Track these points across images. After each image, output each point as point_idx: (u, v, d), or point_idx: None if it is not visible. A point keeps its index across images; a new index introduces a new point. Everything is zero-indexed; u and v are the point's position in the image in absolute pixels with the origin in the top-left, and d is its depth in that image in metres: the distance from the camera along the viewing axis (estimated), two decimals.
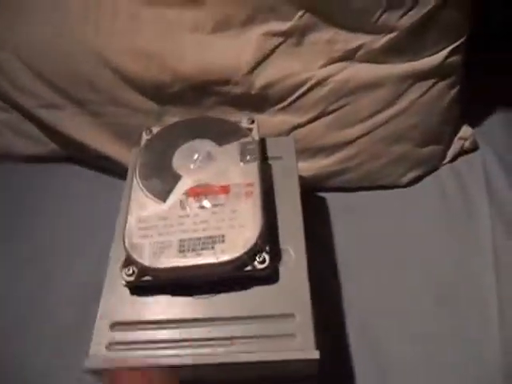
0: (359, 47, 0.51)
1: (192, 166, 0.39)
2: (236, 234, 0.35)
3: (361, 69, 0.52)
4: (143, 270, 0.34)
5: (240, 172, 0.38)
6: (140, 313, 0.35)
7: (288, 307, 0.34)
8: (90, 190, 0.61)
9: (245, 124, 0.43)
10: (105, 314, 0.35)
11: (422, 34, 0.50)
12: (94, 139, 0.59)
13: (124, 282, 0.35)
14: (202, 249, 0.34)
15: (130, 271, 0.35)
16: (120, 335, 0.34)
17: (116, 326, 0.35)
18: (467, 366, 0.43)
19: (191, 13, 0.53)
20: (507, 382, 0.41)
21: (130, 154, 0.54)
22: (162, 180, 0.39)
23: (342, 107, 0.53)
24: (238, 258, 0.34)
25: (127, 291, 0.36)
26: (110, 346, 0.34)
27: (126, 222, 0.37)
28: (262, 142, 0.44)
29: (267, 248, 0.35)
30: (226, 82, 0.52)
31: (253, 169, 0.39)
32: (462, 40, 0.52)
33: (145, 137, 0.43)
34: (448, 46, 0.52)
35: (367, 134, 0.54)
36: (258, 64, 0.52)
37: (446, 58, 0.52)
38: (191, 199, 0.37)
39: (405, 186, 0.57)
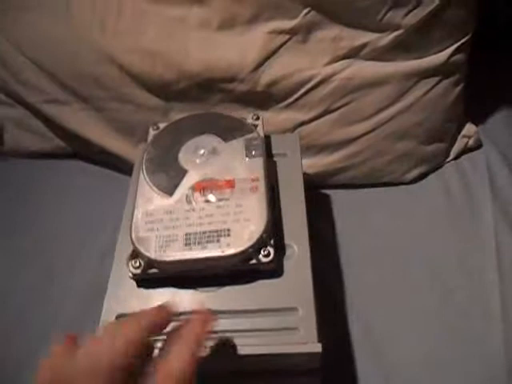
0: (364, 45, 0.51)
1: (198, 161, 0.40)
2: (241, 227, 0.35)
3: (366, 66, 0.52)
4: (150, 263, 0.35)
5: (245, 167, 0.39)
6: (146, 305, 0.35)
7: (291, 301, 0.35)
8: (95, 185, 0.62)
9: (250, 120, 0.43)
10: (111, 306, 0.36)
11: (426, 32, 0.51)
12: (99, 135, 0.59)
13: (130, 275, 0.36)
14: (208, 242, 0.34)
15: (137, 264, 0.35)
16: None
17: (122, 318, 0.35)
18: (470, 363, 0.43)
19: (197, 11, 0.53)
20: (511, 379, 0.41)
21: (134, 150, 0.54)
22: (169, 175, 0.39)
23: (346, 104, 0.53)
24: (243, 252, 0.34)
25: (133, 284, 0.36)
26: None
27: (132, 215, 0.37)
28: (267, 139, 0.44)
29: (272, 242, 0.35)
30: (232, 79, 0.53)
31: (258, 164, 0.39)
32: (466, 38, 0.52)
33: (152, 132, 0.44)
34: (453, 44, 0.52)
35: (372, 131, 0.54)
36: (264, 61, 0.52)
37: (451, 55, 0.52)
38: (197, 193, 0.38)
39: (409, 183, 0.58)
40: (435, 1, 0.48)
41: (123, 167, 0.59)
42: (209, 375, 0.36)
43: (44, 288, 0.52)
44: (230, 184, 0.38)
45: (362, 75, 0.52)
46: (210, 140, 0.41)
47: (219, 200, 0.37)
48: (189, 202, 0.37)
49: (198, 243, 0.35)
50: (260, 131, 0.42)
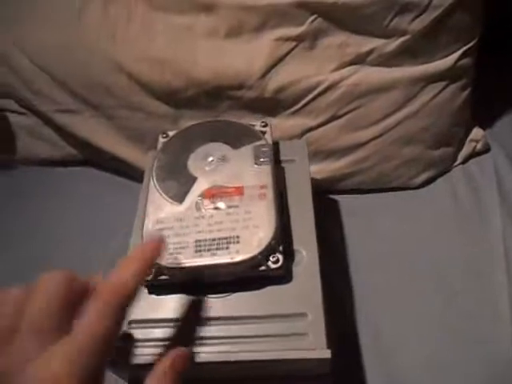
0: (371, 51, 0.51)
1: (207, 169, 0.40)
2: (250, 234, 0.35)
3: (372, 72, 0.53)
4: (160, 270, 0.35)
5: (254, 174, 0.39)
6: (156, 311, 0.36)
7: (300, 306, 0.35)
8: (106, 192, 0.62)
9: (258, 127, 0.44)
10: None
11: (433, 37, 0.51)
12: (110, 143, 0.60)
13: None
14: (217, 249, 0.35)
15: None
16: (137, 333, 0.35)
17: (133, 323, 0.36)
18: (478, 366, 0.43)
19: (204, 19, 0.54)
20: None
21: (144, 157, 0.55)
22: (178, 182, 0.40)
23: (353, 110, 0.54)
24: (252, 258, 0.34)
25: (144, 290, 0.37)
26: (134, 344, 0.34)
27: (143, 223, 0.38)
28: (275, 146, 0.45)
29: (281, 248, 0.36)
30: (240, 86, 0.53)
31: (266, 171, 0.39)
32: (473, 42, 0.52)
33: (161, 140, 0.44)
34: (459, 48, 0.52)
35: (379, 136, 0.55)
36: (271, 68, 0.53)
37: (458, 60, 0.52)
38: (206, 201, 0.38)
39: (417, 188, 0.58)
40: (442, 6, 0.48)
41: (134, 174, 0.60)
42: (218, 381, 0.37)
43: None
44: (239, 191, 0.38)
45: (368, 81, 0.53)
46: (219, 147, 0.42)
47: (228, 207, 0.37)
48: (198, 209, 0.38)
49: (208, 250, 0.35)
50: (268, 138, 0.43)
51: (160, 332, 0.35)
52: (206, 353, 0.33)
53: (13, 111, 0.65)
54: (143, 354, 0.34)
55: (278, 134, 0.46)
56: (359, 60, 0.52)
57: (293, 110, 0.54)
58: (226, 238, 0.35)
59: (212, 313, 0.35)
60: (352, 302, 0.48)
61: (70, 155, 0.65)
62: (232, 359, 0.33)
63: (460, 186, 0.57)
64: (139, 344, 0.34)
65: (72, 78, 0.58)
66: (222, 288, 0.36)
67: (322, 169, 0.56)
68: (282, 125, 0.54)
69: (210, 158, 0.41)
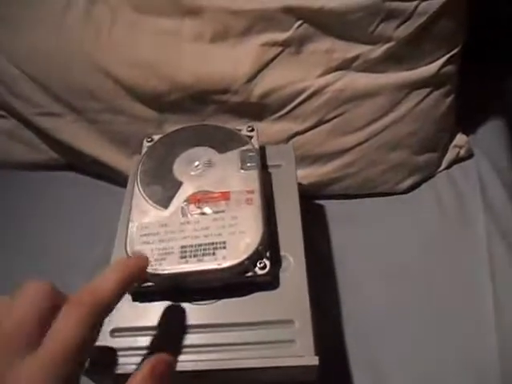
0: (356, 57, 0.52)
1: (193, 173, 0.40)
2: (237, 240, 0.35)
3: (358, 78, 0.53)
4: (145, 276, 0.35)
5: (240, 179, 0.39)
6: (141, 319, 0.35)
7: (288, 313, 0.34)
8: (89, 197, 0.61)
9: (245, 132, 0.43)
10: (106, 320, 0.35)
11: (418, 44, 0.51)
12: (93, 146, 0.59)
13: None
14: (204, 255, 0.34)
15: None
16: (121, 341, 0.34)
17: (116, 331, 0.35)
18: (464, 370, 0.43)
19: (189, 23, 0.54)
20: None
21: (128, 162, 0.54)
22: (163, 187, 0.39)
23: (339, 115, 0.54)
24: (239, 264, 0.34)
25: (129, 297, 0.36)
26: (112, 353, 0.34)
27: (127, 228, 0.37)
28: (262, 150, 0.44)
29: (268, 254, 0.35)
30: (225, 91, 0.53)
31: (253, 176, 0.39)
32: (457, 49, 0.53)
33: (146, 144, 0.44)
34: (444, 55, 0.52)
35: (365, 141, 0.55)
36: (257, 73, 0.52)
37: (442, 67, 0.53)
38: (192, 206, 0.38)
39: (402, 193, 0.58)
40: (426, 13, 0.49)
41: (117, 179, 0.59)
42: None
43: None
44: (225, 196, 0.38)
45: (354, 87, 0.53)
46: (205, 152, 0.41)
47: (215, 212, 0.37)
48: (184, 214, 0.37)
49: (194, 256, 0.34)
50: (255, 143, 0.42)
51: (144, 340, 0.34)
52: (191, 361, 0.33)
53: None
54: (127, 363, 0.33)
55: (264, 139, 0.46)
56: (345, 66, 0.53)
57: (279, 114, 0.54)
58: (212, 244, 0.35)
59: (198, 320, 0.35)
60: (338, 308, 0.48)
61: (51, 159, 0.64)
62: (218, 367, 0.33)
63: (444, 192, 0.57)
64: (123, 353, 0.34)
65: (54, 81, 0.57)
66: (208, 295, 0.36)
67: (309, 174, 0.56)
68: (268, 130, 0.54)
69: (196, 163, 0.41)
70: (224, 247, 0.35)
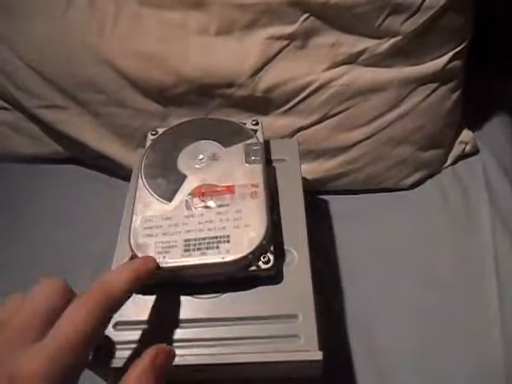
0: (363, 51, 0.51)
1: (197, 167, 0.40)
2: (241, 234, 0.35)
3: (364, 72, 0.52)
4: None
5: (245, 173, 0.39)
6: (144, 312, 0.35)
7: (291, 308, 0.34)
8: (92, 190, 0.61)
9: (249, 125, 0.43)
10: None
11: (424, 39, 0.51)
12: (97, 140, 0.59)
13: None
14: (207, 248, 0.34)
15: None
16: (123, 334, 0.34)
17: (119, 325, 0.35)
18: (468, 366, 0.43)
19: (195, 16, 0.53)
20: None
21: (132, 155, 0.54)
22: (168, 180, 0.39)
23: (345, 110, 0.53)
24: (243, 258, 0.34)
25: None
26: (115, 347, 0.34)
27: (131, 221, 0.37)
28: (266, 145, 0.44)
29: (272, 248, 0.35)
30: (230, 84, 0.53)
31: (258, 170, 0.39)
32: (464, 44, 0.52)
33: (150, 137, 0.43)
34: (450, 50, 0.52)
35: (370, 137, 0.54)
36: (262, 67, 0.52)
37: (449, 62, 0.52)
38: (196, 199, 0.37)
39: (407, 189, 0.58)
40: (433, 7, 0.48)
41: (121, 172, 0.59)
42: (207, 383, 0.36)
43: None
44: (230, 190, 0.37)
45: (360, 81, 0.52)
46: (210, 145, 0.41)
47: (219, 206, 0.37)
48: (188, 207, 0.37)
49: (198, 249, 0.34)
50: (259, 136, 0.42)
51: (147, 333, 0.34)
52: (194, 355, 0.33)
53: None
54: (129, 356, 0.33)
55: (268, 134, 0.45)
56: (351, 60, 0.52)
57: (284, 109, 0.54)
58: (216, 238, 0.35)
59: (201, 314, 0.35)
60: (342, 303, 0.48)
61: (55, 152, 0.64)
62: (221, 361, 0.33)
63: (449, 188, 0.57)
64: (125, 346, 0.34)
65: (58, 73, 0.57)
66: (212, 288, 0.35)
67: (313, 169, 0.56)
68: (273, 124, 0.54)
69: (201, 156, 0.40)
70: (228, 241, 0.34)
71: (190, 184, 0.39)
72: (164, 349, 0.28)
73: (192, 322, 0.34)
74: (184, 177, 0.39)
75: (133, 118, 0.56)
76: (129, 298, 0.29)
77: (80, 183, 0.63)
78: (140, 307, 0.35)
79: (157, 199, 0.38)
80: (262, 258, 0.34)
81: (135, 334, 0.34)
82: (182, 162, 0.40)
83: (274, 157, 0.45)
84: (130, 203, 0.40)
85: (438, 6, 0.48)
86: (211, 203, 0.37)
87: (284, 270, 0.36)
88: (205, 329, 0.34)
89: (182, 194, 0.38)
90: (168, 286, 0.36)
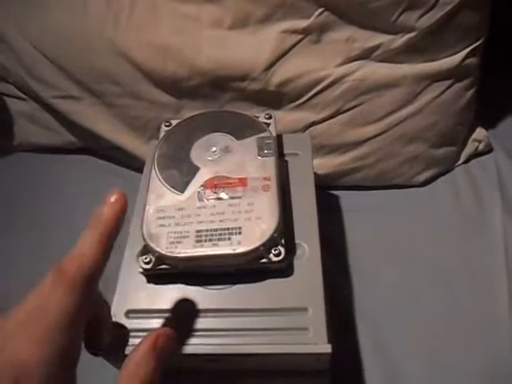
0: (377, 46, 0.51)
1: (210, 159, 0.40)
2: (252, 226, 0.35)
3: (378, 68, 0.52)
4: (160, 259, 0.35)
5: (257, 166, 0.39)
6: (155, 301, 0.36)
7: (301, 301, 0.34)
8: (105, 181, 0.61)
9: (262, 119, 0.43)
10: (121, 301, 0.36)
11: (440, 35, 0.50)
12: (111, 131, 0.59)
13: (141, 270, 0.35)
14: (219, 240, 0.34)
15: (147, 259, 0.35)
16: (134, 322, 0.35)
17: (131, 313, 0.35)
18: (477, 366, 0.43)
19: (210, 8, 0.53)
20: None
21: (145, 147, 0.55)
22: (181, 171, 0.39)
23: (358, 106, 0.53)
24: (254, 250, 0.34)
25: (143, 279, 0.36)
26: (128, 334, 0.34)
27: (143, 211, 0.37)
28: (279, 139, 0.44)
29: (283, 241, 0.35)
30: (244, 78, 0.53)
31: (270, 163, 0.39)
32: (480, 41, 0.52)
33: (164, 128, 0.44)
34: (466, 47, 0.52)
35: (383, 133, 0.54)
36: (276, 61, 0.52)
37: (464, 59, 0.52)
38: (208, 191, 0.38)
39: (419, 186, 0.57)
40: (450, 3, 0.48)
41: (133, 163, 0.60)
42: (217, 374, 0.36)
43: None
44: (243, 182, 0.38)
45: (374, 77, 0.52)
46: (223, 138, 0.41)
47: (231, 198, 0.37)
48: (200, 199, 0.37)
49: (209, 240, 0.35)
50: (272, 130, 0.42)
51: (157, 322, 0.34)
52: (204, 344, 0.33)
53: (12, 96, 0.64)
54: None
55: (280, 128, 0.45)
56: (365, 55, 0.52)
57: (297, 103, 0.54)
58: (227, 229, 0.35)
59: (211, 304, 0.35)
60: (351, 298, 0.48)
61: (69, 143, 0.64)
62: (230, 352, 0.33)
63: (462, 186, 0.57)
64: (137, 334, 0.34)
65: (74, 64, 0.57)
66: (222, 279, 0.36)
67: (325, 164, 0.56)
68: (286, 118, 0.54)
69: (214, 149, 0.41)
70: (239, 233, 0.35)
71: (202, 176, 0.39)
72: (165, 332, 0.28)
73: (203, 312, 0.35)
74: (197, 168, 0.39)
75: (147, 109, 0.56)
76: (107, 255, 0.27)
77: (93, 174, 0.63)
78: (151, 296, 0.36)
79: (170, 190, 0.38)
80: (272, 251, 0.35)
81: (146, 323, 0.34)
82: (195, 154, 0.40)
83: (286, 151, 0.45)
84: (142, 194, 0.40)
85: (455, 2, 0.48)
86: (223, 195, 0.37)
87: (295, 263, 0.36)
88: (215, 319, 0.34)
89: (194, 186, 0.38)
90: (179, 276, 0.36)
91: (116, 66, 0.55)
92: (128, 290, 0.36)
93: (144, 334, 0.33)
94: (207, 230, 0.35)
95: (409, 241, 0.52)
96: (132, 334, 0.34)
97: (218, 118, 0.44)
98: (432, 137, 0.55)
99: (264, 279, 0.36)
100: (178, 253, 0.34)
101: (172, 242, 0.35)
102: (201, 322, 0.34)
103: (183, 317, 0.35)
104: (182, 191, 0.38)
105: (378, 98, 0.53)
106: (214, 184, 0.38)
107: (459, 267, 0.50)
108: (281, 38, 0.52)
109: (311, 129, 0.54)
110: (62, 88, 0.59)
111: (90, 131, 0.60)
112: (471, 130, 0.59)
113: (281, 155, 0.43)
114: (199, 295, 0.35)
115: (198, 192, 0.38)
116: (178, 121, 0.44)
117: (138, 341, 0.33)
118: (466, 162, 0.59)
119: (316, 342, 0.32)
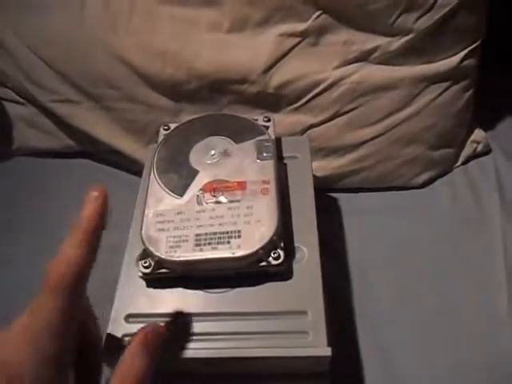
0: (375, 49, 0.51)
1: (209, 162, 0.40)
2: (252, 229, 0.35)
3: (376, 70, 0.52)
4: (159, 263, 0.35)
5: (256, 169, 0.39)
6: (154, 305, 0.36)
7: (301, 304, 0.34)
8: (104, 185, 0.61)
9: (261, 122, 0.43)
10: (120, 305, 0.36)
11: (437, 37, 0.51)
12: (109, 134, 0.59)
13: (140, 274, 0.36)
14: (218, 243, 0.34)
15: (147, 264, 0.35)
16: (135, 327, 0.34)
17: (130, 317, 0.35)
18: (477, 366, 0.43)
19: (208, 12, 0.54)
20: None
21: (144, 151, 0.55)
22: (180, 175, 0.39)
23: (356, 108, 0.53)
24: (253, 253, 0.34)
25: (143, 284, 0.36)
26: (125, 337, 0.34)
27: (143, 215, 0.37)
28: (278, 141, 0.44)
29: (282, 244, 0.35)
30: (242, 81, 0.53)
31: (269, 166, 0.39)
32: (477, 43, 0.52)
33: (163, 132, 0.44)
34: (464, 49, 0.52)
35: (381, 135, 0.54)
36: (274, 64, 0.52)
37: (462, 61, 0.52)
38: (208, 194, 0.38)
39: (417, 188, 0.57)
40: (447, 5, 0.48)
41: (132, 167, 0.60)
42: (217, 377, 0.36)
43: None
44: (241, 186, 0.38)
45: (371, 79, 0.52)
46: (222, 141, 0.41)
47: (230, 201, 0.37)
48: (199, 202, 0.37)
49: (209, 244, 0.35)
50: (271, 133, 0.42)
51: None
52: (203, 348, 0.33)
53: (10, 100, 0.64)
54: None
55: (279, 131, 0.46)
56: (363, 58, 0.52)
57: (295, 106, 0.54)
58: (227, 233, 0.35)
59: (211, 308, 0.35)
60: (351, 301, 0.48)
61: (67, 147, 0.64)
62: (230, 355, 0.33)
63: (460, 187, 0.57)
64: None
65: (72, 68, 0.57)
66: (222, 283, 0.36)
67: (323, 166, 0.56)
68: (284, 121, 0.54)
69: (212, 152, 0.41)
70: (239, 236, 0.35)
71: (201, 179, 0.39)
72: (153, 327, 0.29)
73: (202, 315, 0.35)
74: (196, 172, 0.39)
75: (145, 113, 0.57)
76: (93, 255, 0.27)
77: (91, 178, 0.63)
78: (151, 300, 0.36)
79: (169, 194, 0.38)
80: (272, 254, 0.35)
81: None
82: (194, 158, 0.41)
83: (285, 154, 0.45)
84: (141, 197, 0.40)
85: (453, 4, 0.48)
86: (222, 198, 0.37)
87: (294, 266, 0.37)
88: (214, 323, 0.34)
89: (193, 189, 0.38)
90: (179, 280, 0.36)
91: (114, 70, 0.55)
92: (127, 295, 0.36)
93: None
94: (206, 234, 0.35)
95: (408, 242, 0.52)
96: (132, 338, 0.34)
97: (217, 122, 0.44)
98: (430, 138, 0.56)
99: (263, 283, 0.36)
100: (178, 257, 0.34)
101: (171, 246, 0.35)
102: (201, 326, 0.34)
103: (183, 321, 0.35)
104: (181, 195, 0.38)
105: (376, 100, 0.53)
106: (213, 188, 0.38)
107: (459, 268, 0.50)
108: (279, 40, 0.52)
109: (309, 131, 0.54)
110: (60, 92, 0.59)
111: (88, 135, 0.60)
112: (469, 132, 0.59)
113: (280, 158, 0.43)
114: (199, 299, 0.36)
115: (197, 196, 0.38)
116: (176, 124, 0.44)
117: None
118: (465, 163, 0.59)
119: (316, 345, 0.32)
